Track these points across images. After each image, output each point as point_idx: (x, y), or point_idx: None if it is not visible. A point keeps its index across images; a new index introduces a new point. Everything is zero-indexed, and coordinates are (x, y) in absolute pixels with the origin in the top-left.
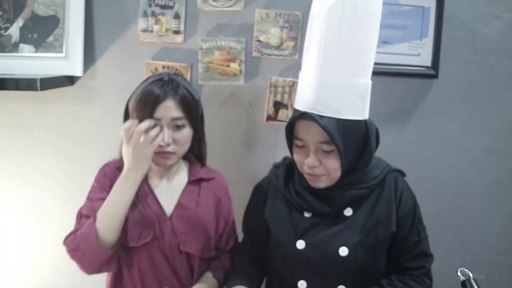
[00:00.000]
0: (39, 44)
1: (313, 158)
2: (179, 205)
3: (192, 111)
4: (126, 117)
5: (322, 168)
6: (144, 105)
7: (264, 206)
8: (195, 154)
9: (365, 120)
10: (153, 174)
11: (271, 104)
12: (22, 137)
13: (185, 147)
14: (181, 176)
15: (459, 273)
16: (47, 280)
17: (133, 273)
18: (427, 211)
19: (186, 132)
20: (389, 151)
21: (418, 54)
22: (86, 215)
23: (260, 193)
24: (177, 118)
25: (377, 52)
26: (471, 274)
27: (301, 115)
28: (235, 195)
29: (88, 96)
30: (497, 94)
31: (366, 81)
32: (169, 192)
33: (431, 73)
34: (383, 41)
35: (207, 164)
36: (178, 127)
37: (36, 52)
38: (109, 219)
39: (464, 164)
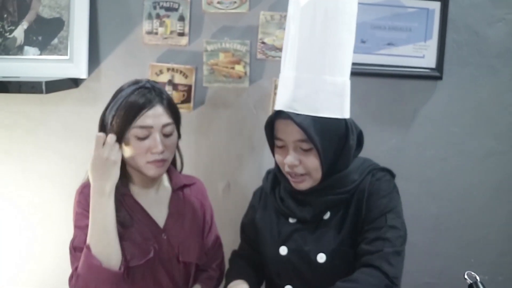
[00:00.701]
0: (44, 47)
1: (292, 157)
2: (170, 215)
3: (178, 116)
4: (102, 130)
5: (303, 167)
6: (132, 114)
7: (257, 212)
8: (174, 160)
9: (345, 120)
10: (137, 188)
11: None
12: (27, 139)
13: (173, 153)
14: (165, 185)
15: (466, 276)
16: (50, 281)
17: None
18: (431, 212)
19: (174, 138)
20: (393, 153)
21: (423, 56)
22: (80, 248)
23: (255, 199)
24: (167, 124)
25: (381, 54)
26: (478, 277)
27: (277, 114)
28: (240, 198)
29: (92, 98)
30: (501, 96)
31: (343, 79)
32: (157, 203)
33: (436, 74)
34: (388, 43)
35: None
36: (168, 134)
37: (40, 54)
38: (103, 240)
39: (468, 165)
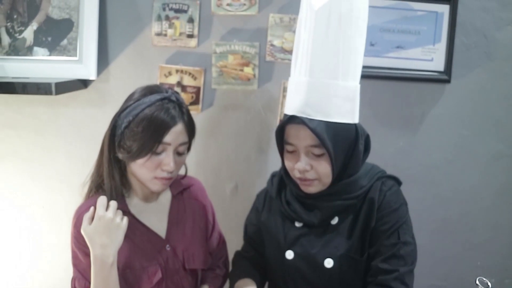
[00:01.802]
0: (53, 48)
1: (304, 162)
2: (171, 223)
3: (194, 133)
4: (112, 134)
5: (314, 172)
6: (154, 129)
7: (262, 214)
8: None
9: (355, 124)
10: (136, 200)
11: (284, 109)
12: (36, 140)
13: (179, 170)
14: (164, 192)
15: (477, 282)
16: (59, 283)
17: None
18: (438, 215)
19: (185, 156)
20: (401, 155)
21: (431, 59)
22: None
23: (259, 201)
24: (184, 143)
25: (390, 57)
26: (489, 284)
27: (290, 119)
28: (247, 199)
29: (101, 99)
30: (509, 99)
31: (354, 84)
32: (157, 212)
33: (444, 78)
34: (397, 46)
35: None
36: (181, 152)
37: (50, 55)
38: None
39: (476, 168)
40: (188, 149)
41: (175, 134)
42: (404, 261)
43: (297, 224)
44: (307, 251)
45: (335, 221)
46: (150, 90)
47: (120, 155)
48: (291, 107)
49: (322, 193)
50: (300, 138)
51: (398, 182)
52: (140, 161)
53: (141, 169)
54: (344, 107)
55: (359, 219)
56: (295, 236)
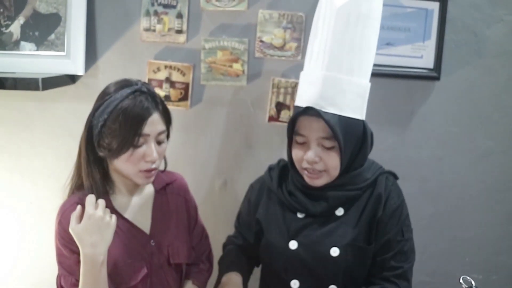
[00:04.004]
0: (41, 42)
1: (313, 153)
2: (154, 219)
3: (170, 120)
4: (90, 135)
5: (322, 164)
6: (131, 123)
7: (257, 206)
8: None
9: (363, 121)
10: (119, 196)
11: (273, 105)
12: (23, 136)
13: (162, 160)
14: (147, 187)
15: (461, 281)
16: (45, 280)
17: None
18: (427, 211)
19: (165, 144)
20: (390, 152)
21: (421, 56)
22: None
23: (253, 192)
24: (162, 132)
25: (380, 54)
26: (473, 282)
27: (304, 111)
28: (236, 195)
29: (89, 95)
30: (499, 96)
31: (366, 81)
32: (140, 207)
33: (434, 75)
34: (386, 43)
35: None
36: (161, 141)
37: (37, 50)
38: None
39: (465, 166)
40: (167, 137)
41: (152, 124)
42: (407, 258)
43: (300, 215)
44: (312, 240)
45: (340, 212)
46: (120, 85)
47: (102, 154)
48: (305, 99)
49: (328, 184)
50: (313, 129)
51: (395, 177)
52: (123, 156)
53: (125, 164)
54: (356, 102)
55: (365, 210)
56: (299, 226)
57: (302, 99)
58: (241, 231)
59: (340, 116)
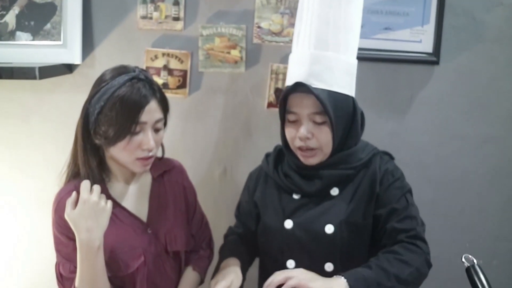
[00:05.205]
0: (37, 32)
1: (305, 130)
2: (151, 207)
3: (168, 108)
4: (86, 122)
5: (315, 141)
6: (129, 110)
7: (255, 191)
8: None
9: (352, 99)
10: (116, 184)
11: (272, 91)
12: (20, 127)
13: (159, 147)
14: (144, 175)
15: (463, 259)
16: (45, 268)
17: None
18: (427, 197)
19: (162, 132)
20: (389, 138)
21: (420, 40)
22: (67, 278)
23: (252, 179)
24: (160, 120)
25: (378, 39)
26: (475, 260)
27: (294, 88)
28: (236, 183)
29: (87, 84)
30: (498, 81)
31: (353, 59)
32: (137, 196)
33: (433, 59)
34: (385, 28)
35: None
36: (159, 129)
37: (33, 40)
38: (92, 287)
39: (464, 151)
40: (165, 124)
41: (150, 112)
42: (417, 222)
43: (295, 196)
44: (307, 219)
45: (335, 192)
46: (117, 71)
47: (98, 142)
48: (293, 77)
49: (322, 163)
50: (304, 106)
51: (392, 158)
52: (120, 144)
53: (122, 152)
54: (344, 79)
55: (360, 187)
56: (294, 207)
57: (291, 79)
58: (242, 219)
59: (329, 91)
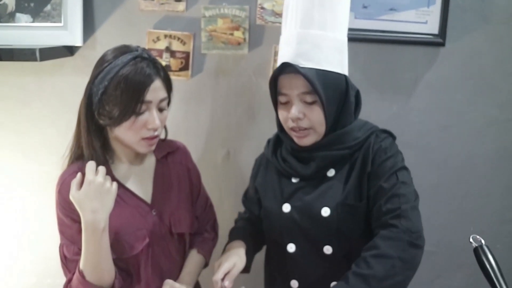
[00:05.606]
0: (37, 14)
1: (296, 110)
2: (156, 188)
3: (171, 87)
4: (89, 103)
5: (307, 121)
6: (133, 89)
7: (256, 177)
8: None
9: (344, 76)
10: (120, 165)
11: None
12: (21, 110)
13: (163, 128)
14: (148, 156)
15: (471, 239)
16: (49, 251)
17: (141, 275)
18: (431, 180)
19: (167, 112)
20: (394, 120)
21: (425, 21)
22: (71, 260)
23: (256, 165)
24: (164, 99)
25: (383, 20)
26: (483, 241)
27: (282, 69)
28: (239, 166)
29: (88, 66)
30: (504, 63)
31: (342, 36)
32: (141, 177)
33: (438, 41)
34: (390, 8)
35: None
36: (163, 108)
37: (33, 22)
38: (97, 269)
39: (470, 134)
40: (168, 104)
41: (154, 91)
42: (405, 199)
43: (294, 180)
44: (304, 202)
45: (331, 173)
46: (120, 51)
47: (103, 122)
48: (282, 58)
49: (316, 144)
50: (293, 86)
51: (392, 136)
52: (125, 124)
53: (127, 132)
54: (334, 57)
55: (354, 168)
56: (292, 190)
57: (280, 59)
58: (247, 205)
59: (317, 70)
